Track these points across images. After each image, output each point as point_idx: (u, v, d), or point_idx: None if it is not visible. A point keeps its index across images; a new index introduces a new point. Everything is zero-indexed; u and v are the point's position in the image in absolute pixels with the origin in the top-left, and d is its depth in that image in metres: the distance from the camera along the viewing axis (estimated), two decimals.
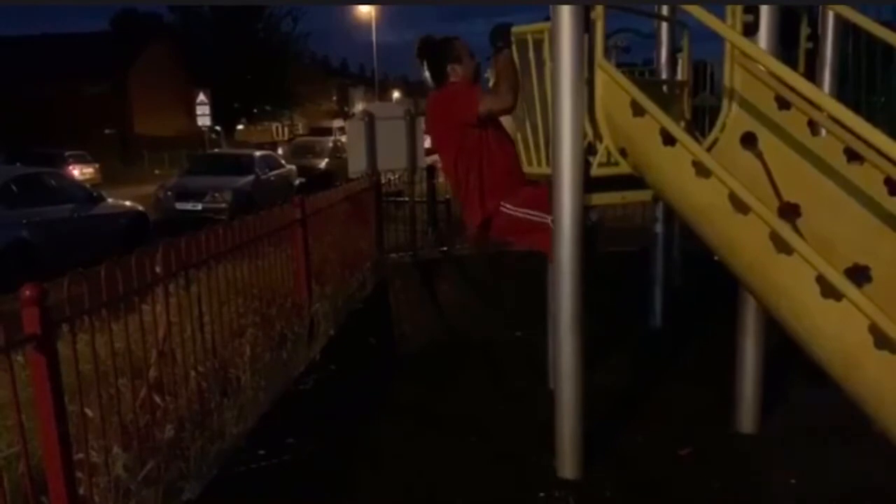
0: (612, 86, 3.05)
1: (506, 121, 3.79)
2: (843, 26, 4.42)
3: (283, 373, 4.36)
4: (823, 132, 3.19)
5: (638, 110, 2.91)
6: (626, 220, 8.10)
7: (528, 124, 3.60)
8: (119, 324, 3.04)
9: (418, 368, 4.70)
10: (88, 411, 2.73)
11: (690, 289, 6.33)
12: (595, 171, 3.14)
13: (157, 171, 27.32)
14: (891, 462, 2.70)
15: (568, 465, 3.22)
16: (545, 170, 3.56)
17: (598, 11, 3.01)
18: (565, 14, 2.90)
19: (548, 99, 3.45)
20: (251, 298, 4.37)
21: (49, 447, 2.43)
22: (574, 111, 2.97)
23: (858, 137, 2.72)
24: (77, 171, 20.74)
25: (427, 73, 3.67)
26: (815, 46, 4.53)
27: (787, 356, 4.38)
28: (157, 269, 3.27)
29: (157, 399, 3.20)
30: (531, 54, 3.45)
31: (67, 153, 21.95)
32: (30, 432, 2.46)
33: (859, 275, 2.65)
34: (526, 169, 3.71)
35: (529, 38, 3.42)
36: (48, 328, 2.39)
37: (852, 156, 2.89)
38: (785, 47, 4.06)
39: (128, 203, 10.73)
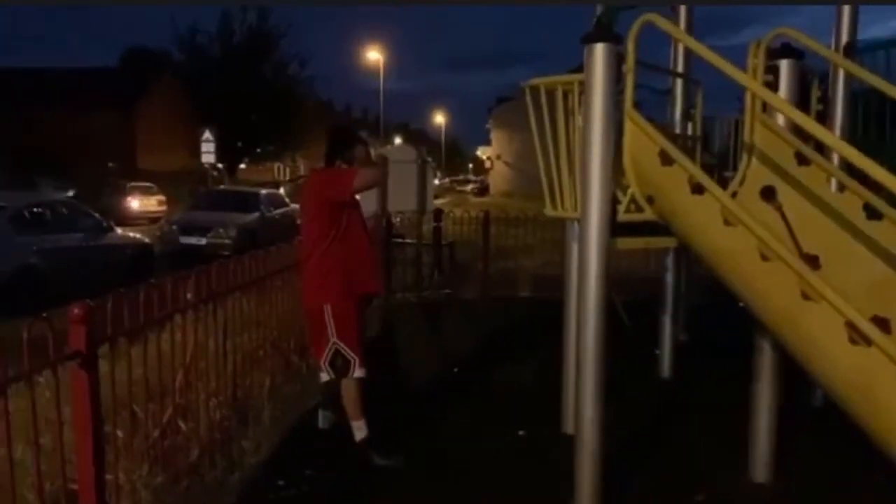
0: (640, 135, 3.17)
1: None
2: (853, 89, 4.62)
3: (298, 405, 4.38)
4: (834, 185, 3.33)
5: (666, 160, 3.03)
6: (632, 271, 8.23)
7: (553, 171, 3.71)
8: (147, 348, 3.09)
9: (428, 409, 4.71)
10: (119, 433, 2.76)
11: (697, 340, 6.40)
12: (622, 216, 3.24)
13: None
14: None
15: None
16: (570, 214, 3.67)
17: (630, 64, 3.16)
18: (599, 66, 3.05)
19: (573, 147, 3.59)
20: (269, 330, 4.43)
21: (84, 466, 2.45)
22: (603, 158, 3.09)
23: (874, 186, 2.83)
24: (136, 203, 20.75)
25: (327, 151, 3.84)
26: (825, 108, 4.71)
27: (802, 405, 4.47)
28: (189, 296, 3.34)
29: (182, 424, 3.23)
30: (560, 104, 3.60)
31: (130, 184, 22.09)
32: (46, 453, 2.48)
33: (880, 327, 2.74)
34: (549, 212, 3.82)
35: (559, 88, 3.57)
36: (92, 346, 2.45)
37: (872, 213, 3.00)
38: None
39: (135, 235, 10.80)
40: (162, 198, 22.52)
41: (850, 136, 4.70)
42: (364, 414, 3.70)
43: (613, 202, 3.21)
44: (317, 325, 3.67)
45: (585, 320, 3.16)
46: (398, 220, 9.61)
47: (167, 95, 36.98)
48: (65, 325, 2.42)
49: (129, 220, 18.35)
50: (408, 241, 9.80)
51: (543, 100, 3.65)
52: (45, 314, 2.28)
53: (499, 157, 50.98)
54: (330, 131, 4.13)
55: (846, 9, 4.59)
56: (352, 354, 3.61)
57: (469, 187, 58.04)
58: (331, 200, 3.64)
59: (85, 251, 8.83)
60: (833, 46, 4.56)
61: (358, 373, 3.65)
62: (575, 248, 3.71)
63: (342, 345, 3.61)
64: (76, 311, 2.39)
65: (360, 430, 3.69)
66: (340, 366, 3.64)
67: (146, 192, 22.30)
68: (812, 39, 3.50)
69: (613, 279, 3.31)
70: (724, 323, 4.87)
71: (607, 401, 3.26)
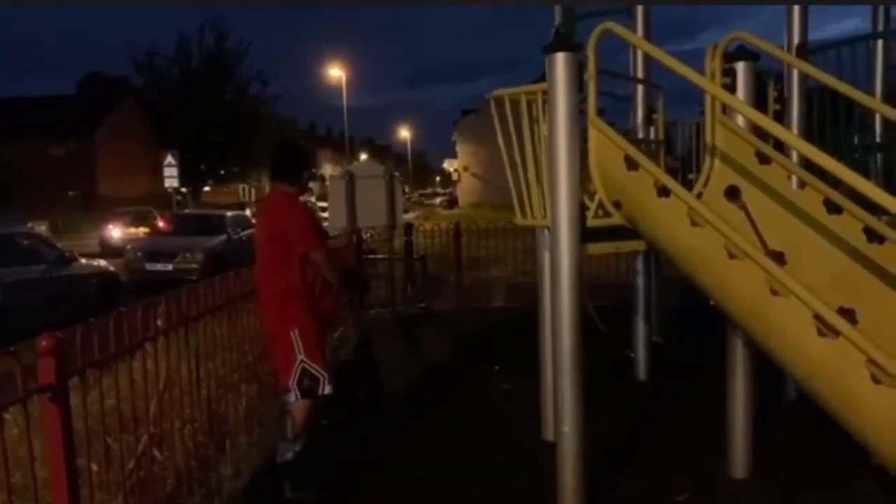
0: (605, 142, 3.22)
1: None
2: (807, 88, 4.74)
3: (274, 428, 4.31)
4: (795, 182, 3.41)
5: (632, 164, 3.07)
6: (599, 276, 8.31)
7: (521, 180, 3.74)
8: (118, 378, 3.02)
9: (411, 423, 4.69)
10: (94, 466, 2.70)
11: (671, 342, 6.47)
12: (590, 222, 3.28)
13: None
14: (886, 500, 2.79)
15: None
16: (540, 222, 3.70)
17: (591, 72, 3.20)
18: (561, 75, 3.09)
19: (540, 155, 3.62)
20: (241, 353, 4.36)
21: (59, 502, 2.38)
22: (570, 165, 3.13)
23: (833, 181, 2.91)
24: (118, 232, 19.33)
25: (277, 167, 3.69)
26: (782, 108, 4.82)
27: (777, 400, 4.54)
28: (159, 322, 3.28)
29: (157, 453, 3.16)
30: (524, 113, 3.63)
31: (119, 209, 21.73)
32: (18, 491, 2.41)
33: (846, 318, 2.80)
34: (520, 221, 3.85)
35: (522, 98, 3.60)
36: (62, 379, 2.39)
37: (832, 208, 3.08)
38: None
39: (100, 263, 10.59)
40: (159, 224, 18.98)
41: (807, 133, 4.83)
42: (299, 441, 3.54)
43: (582, 208, 3.24)
44: (282, 350, 3.54)
45: (560, 326, 3.19)
46: (369, 235, 9.60)
47: (127, 121, 36.55)
48: (31, 358, 2.35)
49: (114, 250, 16.49)
50: (379, 256, 9.79)
51: (508, 110, 3.69)
52: (11, 348, 2.22)
53: (466, 169, 51.27)
54: (281, 149, 3.92)
55: (796, 11, 4.73)
56: (321, 372, 3.51)
57: (438, 200, 58.21)
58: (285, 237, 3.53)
59: (48, 283, 8.63)
60: (786, 47, 4.69)
61: (327, 389, 3.54)
62: (546, 255, 3.74)
63: (310, 362, 3.49)
64: (44, 342, 2.33)
65: (287, 452, 3.54)
66: (308, 385, 3.51)
67: (139, 217, 21.00)
68: (766, 41, 3.59)
69: (585, 284, 3.34)
70: (696, 323, 4.93)
71: (586, 405, 3.28)
